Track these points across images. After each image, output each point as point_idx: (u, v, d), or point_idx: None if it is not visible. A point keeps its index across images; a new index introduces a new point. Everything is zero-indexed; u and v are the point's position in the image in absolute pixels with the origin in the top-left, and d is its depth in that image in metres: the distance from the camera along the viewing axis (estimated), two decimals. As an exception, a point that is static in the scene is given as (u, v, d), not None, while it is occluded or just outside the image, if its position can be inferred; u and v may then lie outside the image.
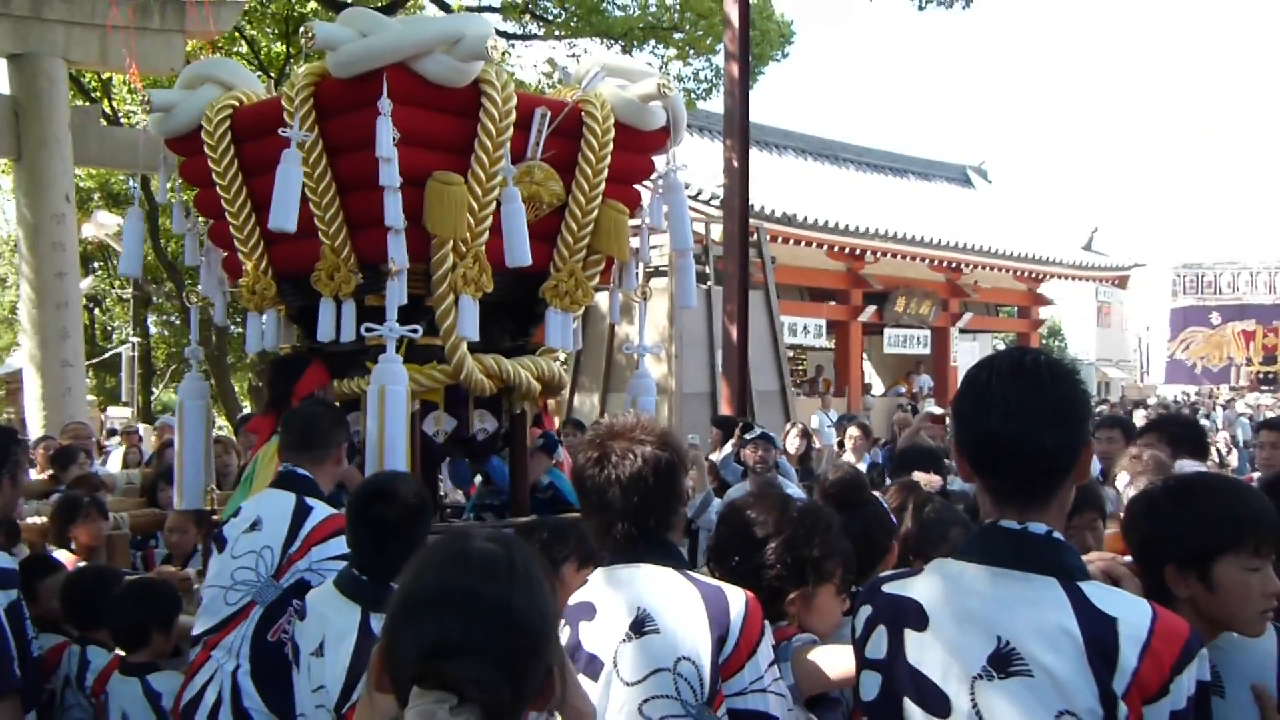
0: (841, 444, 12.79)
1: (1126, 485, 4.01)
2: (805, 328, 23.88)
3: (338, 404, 4.84)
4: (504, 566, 1.61)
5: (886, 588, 2.22)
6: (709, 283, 16.74)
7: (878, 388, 28.49)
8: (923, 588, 2.16)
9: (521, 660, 1.56)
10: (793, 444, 10.15)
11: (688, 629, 2.52)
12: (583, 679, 2.57)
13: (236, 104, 4.95)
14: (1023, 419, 2.08)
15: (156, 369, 31.32)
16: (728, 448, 10.45)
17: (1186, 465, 4.37)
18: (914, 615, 2.12)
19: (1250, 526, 2.38)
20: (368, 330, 4.50)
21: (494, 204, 4.66)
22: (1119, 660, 1.93)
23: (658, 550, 2.67)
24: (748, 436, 8.72)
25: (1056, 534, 2.09)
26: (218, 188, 4.96)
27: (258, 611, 3.87)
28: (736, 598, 2.57)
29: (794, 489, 8.15)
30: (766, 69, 18.66)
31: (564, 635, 2.68)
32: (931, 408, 16.13)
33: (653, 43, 16.72)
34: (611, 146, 4.98)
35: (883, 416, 21.04)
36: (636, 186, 5.44)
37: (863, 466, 10.89)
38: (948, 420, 11.21)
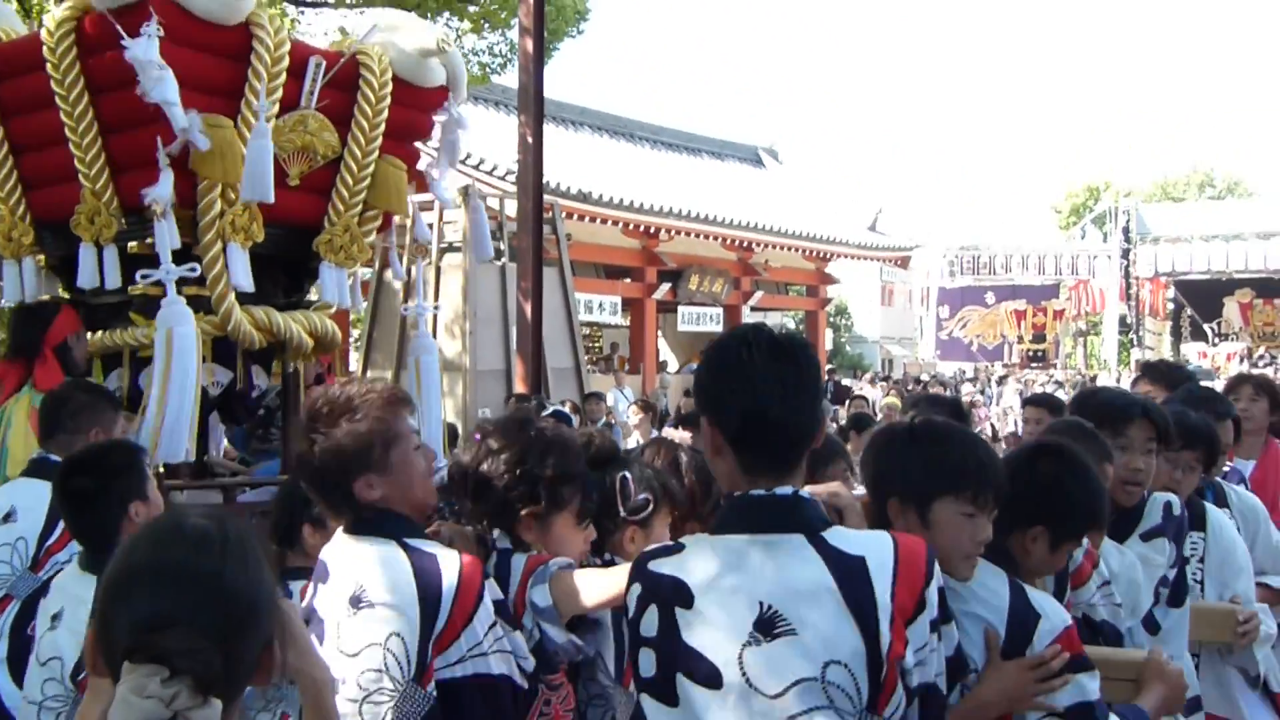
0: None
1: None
2: (601, 305, 24.02)
3: (95, 357, 4.66)
4: (217, 540, 1.60)
5: (652, 565, 2.22)
6: (503, 259, 16.64)
7: (673, 365, 28.87)
8: (686, 564, 2.18)
9: (235, 632, 1.56)
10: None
11: (398, 606, 2.53)
12: (312, 637, 2.56)
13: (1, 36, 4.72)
14: (786, 395, 2.15)
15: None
16: (520, 424, 10.46)
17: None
18: (680, 593, 2.14)
19: (973, 476, 2.47)
20: (143, 276, 4.31)
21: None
22: (875, 594, 2.04)
23: (385, 522, 2.66)
24: (542, 414, 8.70)
25: (801, 491, 2.17)
26: None
27: (14, 606, 3.67)
28: (449, 569, 2.57)
29: None
30: (562, 45, 18.57)
31: (307, 592, 2.73)
32: None
33: (447, 15, 16.41)
34: (389, 100, 4.90)
35: (677, 393, 21.38)
36: (416, 145, 5.38)
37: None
38: None
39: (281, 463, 5.13)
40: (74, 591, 3.19)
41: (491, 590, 2.70)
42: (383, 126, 4.92)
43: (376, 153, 4.95)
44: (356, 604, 2.57)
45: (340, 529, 2.73)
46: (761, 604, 2.06)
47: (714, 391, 2.23)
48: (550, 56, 17.23)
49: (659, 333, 27.69)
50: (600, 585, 2.76)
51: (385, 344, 16.49)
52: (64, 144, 4.45)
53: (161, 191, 4.19)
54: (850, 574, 2.05)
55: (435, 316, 16.01)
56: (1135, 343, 33.20)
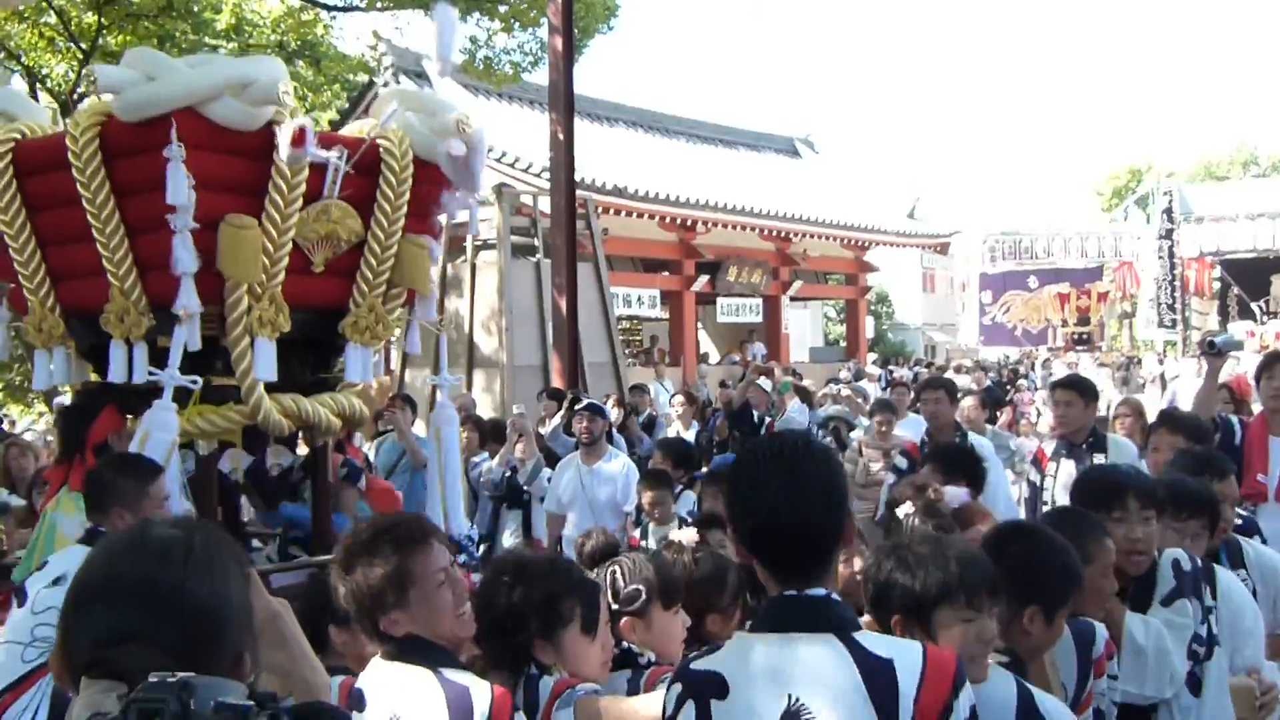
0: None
1: (909, 515, 4.32)
2: (640, 298, 24.10)
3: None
4: (180, 551, 1.57)
5: (693, 665, 2.37)
6: (538, 255, 16.74)
7: (713, 357, 28.90)
8: (723, 659, 2.32)
9: (199, 646, 1.51)
10: (610, 415, 10.25)
11: None
12: None
13: (19, 137, 4.78)
14: (795, 504, 2.28)
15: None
16: (556, 419, 10.52)
17: (955, 493, 4.68)
18: (716, 686, 2.28)
19: (961, 583, 2.60)
20: (150, 374, 4.42)
21: (289, 245, 4.61)
22: (899, 694, 2.14)
23: (415, 650, 2.75)
24: (576, 408, 8.80)
25: (833, 595, 2.29)
26: (0, 223, 4.79)
27: None
28: (481, 698, 2.65)
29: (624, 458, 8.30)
30: (592, 41, 18.65)
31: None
32: (758, 363, 16.51)
33: (476, 15, 16.51)
34: (410, 182, 4.95)
35: (716, 385, 21.39)
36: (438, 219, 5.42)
37: (690, 434, 11.08)
38: (776, 370, 11.55)
39: (313, 535, 5.21)
40: (75, 568, 3.31)
41: None
42: (405, 208, 4.97)
43: (399, 234, 4.99)
44: None
45: (378, 655, 2.83)
46: (790, 696, 2.19)
47: (731, 504, 2.40)
48: (581, 53, 17.27)
49: (699, 325, 27.72)
50: (622, 712, 2.87)
51: (423, 343, 16.54)
52: (91, 241, 4.52)
53: (187, 301, 4.31)
54: (877, 675, 2.16)
55: (472, 313, 16.19)
56: (1180, 323, 32.77)
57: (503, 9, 16.50)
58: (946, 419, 7.72)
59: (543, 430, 10.42)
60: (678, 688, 2.36)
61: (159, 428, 4.36)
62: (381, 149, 4.87)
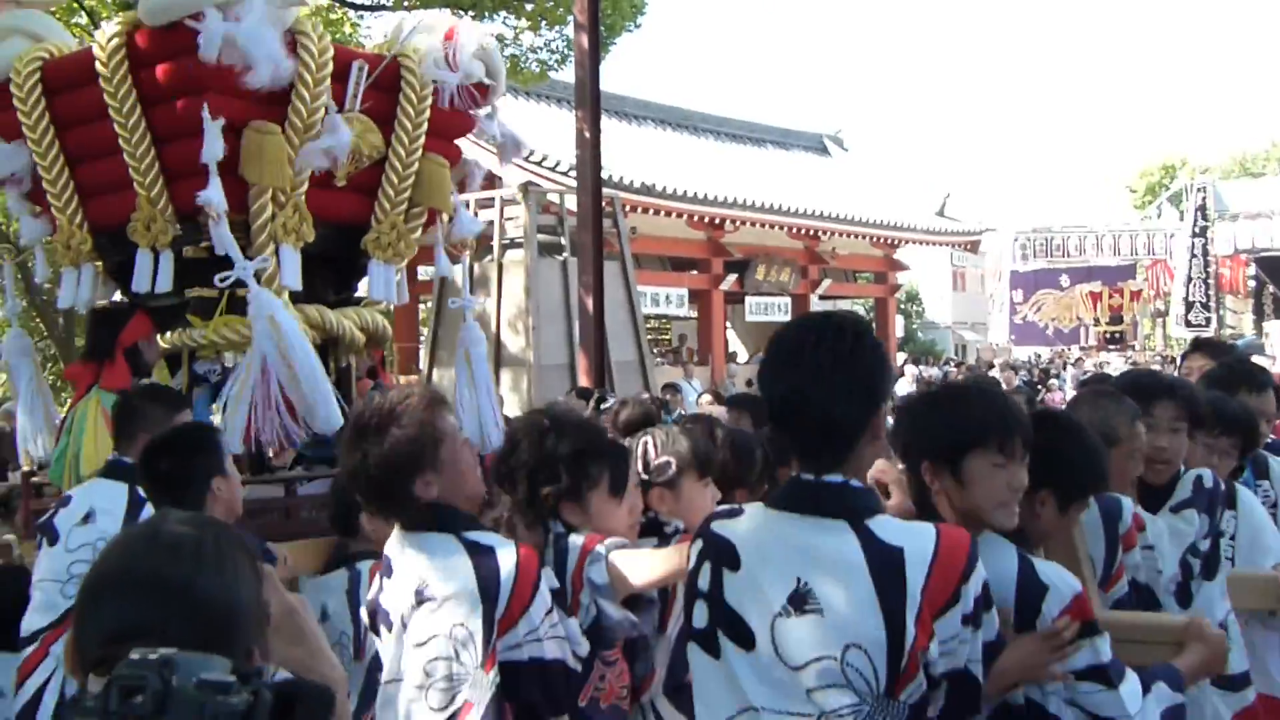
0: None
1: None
2: (668, 297, 24.06)
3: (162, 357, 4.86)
4: (191, 548, 1.58)
5: (714, 525, 2.39)
6: (565, 254, 16.72)
7: (742, 356, 28.83)
8: (739, 530, 2.33)
9: (208, 643, 1.50)
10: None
11: (460, 597, 2.69)
12: (382, 629, 2.84)
13: (47, 56, 4.86)
14: (813, 387, 2.25)
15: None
16: (583, 418, 10.49)
17: None
18: (730, 555, 2.30)
19: (995, 426, 2.54)
20: (221, 279, 4.42)
21: None
22: (906, 585, 2.13)
23: (437, 518, 2.81)
24: (602, 407, 8.76)
25: (852, 481, 2.27)
26: (29, 141, 4.87)
27: None
28: (507, 559, 2.72)
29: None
30: (620, 39, 18.59)
31: (373, 586, 2.90)
32: None
33: (503, 13, 16.54)
34: (430, 100, 5.00)
35: (744, 384, 21.33)
36: (457, 142, 5.47)
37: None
38: None
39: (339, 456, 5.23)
40: (105, 503, 3.58)
41: (548, 579, 2.82)
42: (425, 125, 5.01)
43: (420, 151, 5.04)
44: (420, 598, 2.74)
45: (398, 526, 2.88)
46: (798, 579, 2.20)
47: (762, 375, 2.39)
48: (608, 51, 17.26)
49: (727, 324, 27.66)
50: (651, 566, 2.90)
51: (449, 341, 16.62)
52: (118, 154, 4.61)
53: (213, 195, 4.30)
54: (885, 563, 2.16)
55: (499, 311, 16.21)
56: (1214, 322, 32.46)
57: (529, 7, 16.56)
58: None
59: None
60: (699, 544, 2.40)
61: (275, 308, 4.40)
62: (402, 66, 4.93)
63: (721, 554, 2.32)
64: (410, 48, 4.97)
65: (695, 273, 25.28)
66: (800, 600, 2.19)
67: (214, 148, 4.28)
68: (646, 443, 3.40)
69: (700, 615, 2.35)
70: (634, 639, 3.04)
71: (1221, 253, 32.91)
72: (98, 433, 4.55)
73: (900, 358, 30.93)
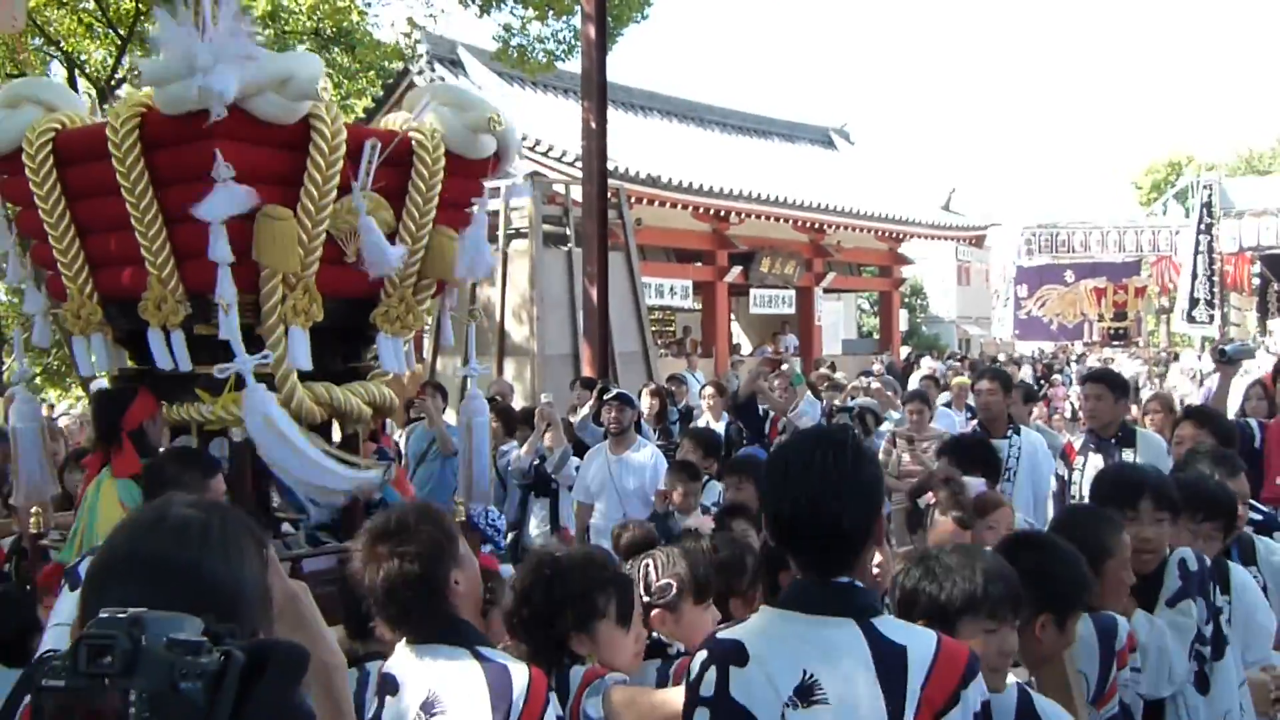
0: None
1: (930, 506, 4.47)
2: (672, 289, 24.06)
3: (167, 430, 4.88)
4: (197, 531, 1.58)
5: (719, 635, 2.49)
6: (569, 244, 16.74)
7: (746, 348, 28.84)
8: (745, 631, 2.44)
9: None
10: (645, 404, 10.20)
11: (470, 709, 2.70)
12: None
13: (59, 127, 4.85)
14: (823, 500, 2.34)
15: (7, 338, 30.05)
16: (586, 409, 10.52)
17: (973, 483, 4.76)
18: (737, 653, 2.38)
19: (984, 596, 2.66)
20: (220, 371, 4.48)
21: (323, 236, 4.68)
22: (908, 682, 2.22)
23: (451, 631, 2.84)
24: (605, 398, 8.81)
25: (857, 582, 2.38)
26: (40, 210, 4.86)
27: None
28: (519, 676, 2.73)
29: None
30: (627, 30, 18.58)
31: (372, 705, 2.91)
32: (768, 355, 16.43)
33: (511, 3, 16.53)
34: (442, 175, 5.00)
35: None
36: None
37: (720, 426, 11.03)
38: (784, 365, 11.40)
39: (344, 522, 5.22)
40: None
41: (554, 705, 2.84)
42: (436, 200, 5.03)
43: (430, 225, 5.05)
44: (429, 711, 2.74)
45: (403, 643, 2.89)
46: (805, 671, 2.28)
47: (764, 494, 2.51)
48: (615, 42, 17.22)
49: (731, 316, 27.67)
50: (650, 703, 2.95)
51: (455, 331, 16.60)
52: (129, 229, 4.60)
53: (224, 290, 4.40)
54: (889, 660, 2.25)
55: (503, 301, 16.21)
56: (1218, 319, 32.40)
57: (537, -4, 16.58)
58: (999, 411, 7.51)
59: (573, 419, 10.41)
60: (703, 654, 2.47)
61: (266, 405, 4.50)
62: (414, 142, 4.93)
63: (727, 655, 2.39)
64: (423, 124, 4.98)
65: (700, 264, 25.30)
66: (807, 692, 2.27)
67: (223, 251, 4.36)
68: (648, 565, 3.47)
69: (704, 715, 2.41)
70: None
71: (1226, 250, 32.87)
72: (109, 515, 4.57)
73: (903, 351, 30.90)
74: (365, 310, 5.05)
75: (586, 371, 13.67)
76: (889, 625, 2.32)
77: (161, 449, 4.85)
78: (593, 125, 13.44)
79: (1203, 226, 32.33)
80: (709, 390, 11.71)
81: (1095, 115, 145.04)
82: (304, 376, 4.74)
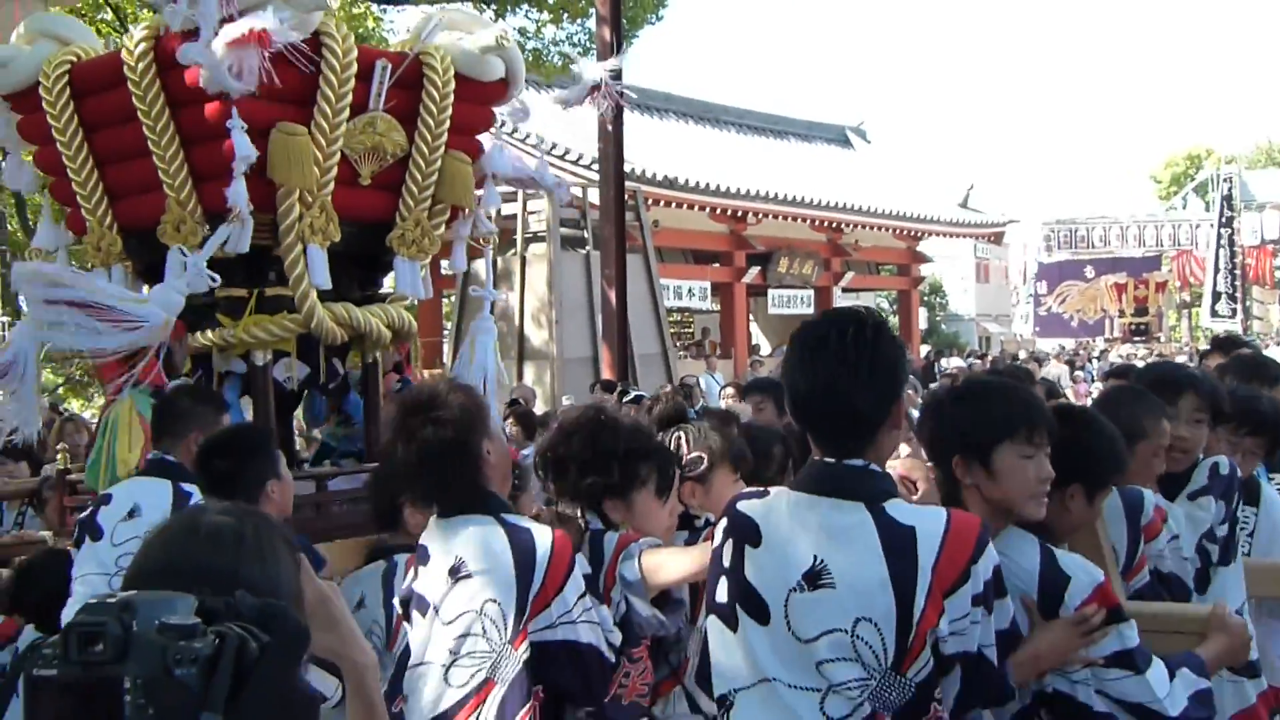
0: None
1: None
2: (690, 290, 24.05)
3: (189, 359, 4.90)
4: (232, 538, 1.59)
5: (740, 505, 2.48)
6: (587, 247, 16.75)
7: (765, 349, 28.79)
8: (763, 511, 2.42)
9: None
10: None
11: (495, 573, 2.78)
12: (415, 614, 2.92)
13: (74, 59, 4.90)
14: (838, 380, 2.32)
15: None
16: (606, 411, 10.51)
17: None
18: (752, 533, 2.39)
19: (1022, 418, 2.61)
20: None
21: (338, 154, 4.72)
22: (918, 563, 2.22)
23: (479, 500, 2.91)
24: (624, 400, 8.80)
25: (872, 465, 2.35)
26: (58, 144, 4.91)
27: None
28: (543, 540, 2.80)
29: None
30: (642, 32, 18.65)
31: (408, 575, 3.00)
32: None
33: (526, 6, 16.57)
34: (452, 97, 5.03)
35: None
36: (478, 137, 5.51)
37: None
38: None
39: (366, 448, 5.29)
40: (150, 499, 3.62)
41: (581, 564, 2.90)
42: (447, 123, 5.05)
43: (443, 148, 5.08)
44: (455, 575, 2.82)
45: (435, 515, 2.97)
46: (815, 557, 2.29)
47: (787, 370, 2.48)
48: (630, 44, 17.32)
49: (750, 316, 27.62)
50: (680, 562, 2.97)
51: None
52: (147, 156, 4.66)
53: (239, 196, 4.43)
54: (898, 542, 2.25)
55: (522, 305, 16.26)
56: (1240, 313, 32.21)
57: (551, 0, 16.58)
58: None
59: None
60: (724, 522, 2.49)
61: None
62: (424, 64, 4.97)
63: (745, 532, 2.40)
64: (432, 45, 5.01)
65: (718, 265, 25.28)
66: (815, 576, 2.27)
67: (245, 150, 4.37)
68: (680, 437, 3.47)
69: (722, 590, 2.44)
70: (660, 637, 3.11)
71: (1247, 243, 32.72)
72: (131, 436, 4.59)
73: (924, 350, 30.80)
74: (380, 235, 5.08)
75: (606, 374, 13.67)
76: (899, 508, 2.30)
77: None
78: (609, 128, 13.42)
79: (1223, 220, 32.17)
80: (729, 391, 11.69)
81: (1113, 109, 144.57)
82: (323, 298, 4.77)
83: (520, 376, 15.90)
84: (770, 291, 26.38)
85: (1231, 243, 32.28)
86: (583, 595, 2.83)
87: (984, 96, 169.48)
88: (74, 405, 22.28)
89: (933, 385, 8.90)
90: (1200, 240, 33.73)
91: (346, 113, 4.70)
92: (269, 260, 4.72)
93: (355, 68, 4.69)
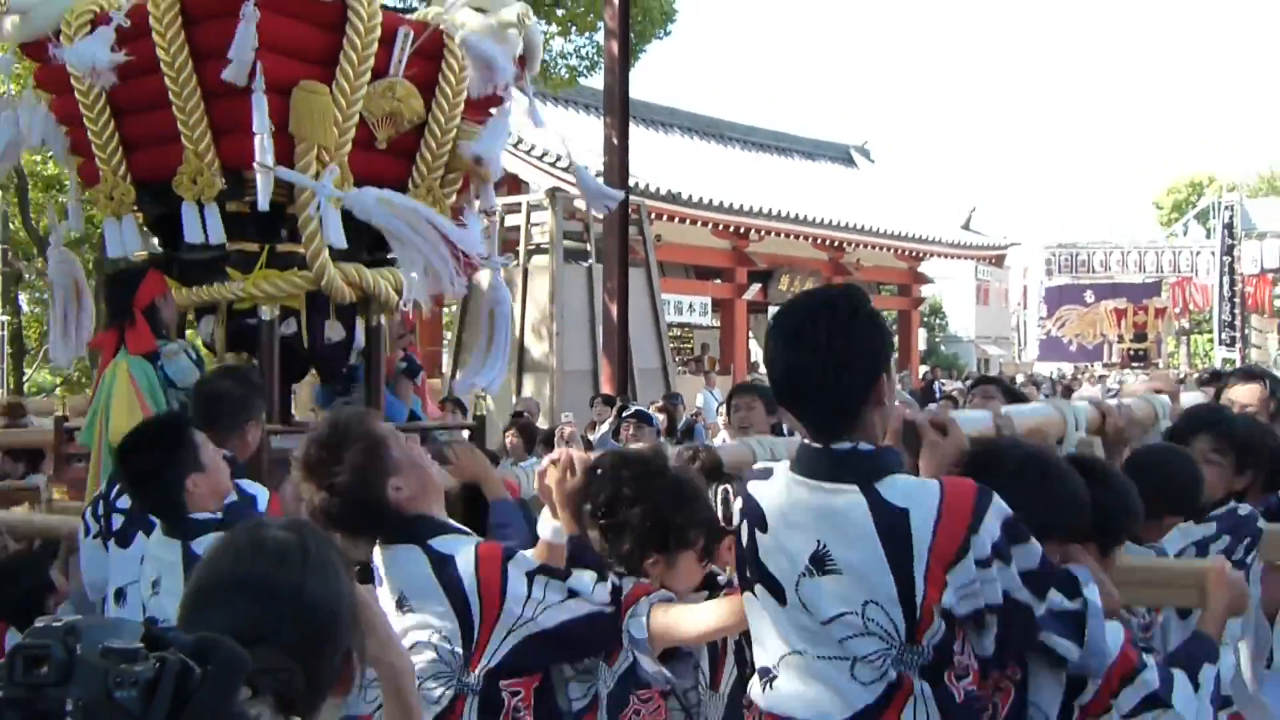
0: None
1: None
2: (691, 306, 24.07)
3: (189, 309, 5.03)
4: (296, 552, 1.61)
5: (750, 487, 2.48)
6: (590, 260, 16.75)
7: (764, 366, 28.75)
8: (766, 494, 2.42)
9: (316, 647, 1.56)
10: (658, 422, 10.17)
11: (433, 609, 2.79)
12: None
13: (97, 9, 4.92)
14: (814, 363, 2.31)
15: (29, 349, 30.23)
16: (605, 426, 10.52)
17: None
18: (760, 518, 2.41)
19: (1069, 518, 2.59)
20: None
21: (357, 116, 4.80)
22: (913, 546, 2.22)
23: (404, 530, 2.85)
24: (624, 415, 8.80)
25: (861, 445, 2.31)
26: (76, 93, 4.94)
27: None
28: (464, 558, 2.77)
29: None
30: (649, 47, 18.61)
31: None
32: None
33: (534, 17, 16.61)
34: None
35: (767, 393, 21.24)
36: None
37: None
38: None
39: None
40: (166, 559, 3.39)
41: (519, 565, 2.80)
42: (465, 94, 5.16)
43: (459, 119, 5.18)
44: (401, 607, 2.83)
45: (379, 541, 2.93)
46: (819, 542, 2.30)
47: (767, 356, 2.47)
48: (637, 59, 17.31)
49: (749, 333, 27.64)
50: (696, 621, 2.87)
51: (475, 344, 16.59)
52: (166, 108, 4.72)
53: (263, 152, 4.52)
54: (892, 526, 2.25)
55: (523, 317, 16.25)
56: (1239, 341, 32.22)
57: (560, 13, 16.62)
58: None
59: (591, 436, 10.41)
60: (739, 502, 2.51)
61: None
62: (445, 34, 5.07)
63: (754, 517, 2.42)
64: (454, 16, 5.11)
65: (719, 281, 25.31)
66: (820, 561, 2.29)
67: (264, 107, 4.47)
68: (727, 489, 3.36)
69: (748, 571, 2.47)
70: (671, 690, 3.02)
71: (1247, 272, 32.73)
72: (128, 398, 4.58)
73: (922, 370, 30.81)
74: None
75: (605, 388, 13.66)
76: (892, 488, 2.27)
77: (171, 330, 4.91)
78: (614, 141, 13.45)
79: (1224, 248, 32.19)
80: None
81: (1116, 135, 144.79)
82: (334, 257, 4.82)
83: (519, 388, 15.88)
84: (771, 309, 26.37)
85: (1232, 270, 32.31)
86: (529, 598, 2.77)
87: (988, 119, 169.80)
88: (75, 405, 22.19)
89: (930, 406, 8.83)
90: (1200, 267, 33.75)
91: (368, 76, 4.78)
92: (283, 217, 4.79)
93: (379, 32, 4.77)
